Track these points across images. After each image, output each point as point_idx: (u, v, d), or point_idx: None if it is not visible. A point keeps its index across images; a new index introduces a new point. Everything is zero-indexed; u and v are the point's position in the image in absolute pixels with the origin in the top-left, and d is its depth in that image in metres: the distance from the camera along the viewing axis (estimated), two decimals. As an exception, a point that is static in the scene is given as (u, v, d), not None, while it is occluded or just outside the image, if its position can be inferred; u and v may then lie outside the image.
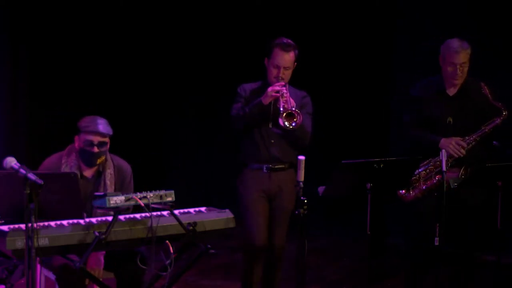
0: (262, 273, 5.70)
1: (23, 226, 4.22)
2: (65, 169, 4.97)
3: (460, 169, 5.58)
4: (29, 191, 4.15)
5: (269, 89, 5.51)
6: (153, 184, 4.93)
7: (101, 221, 4.60)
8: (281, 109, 5.46)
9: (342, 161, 5.07)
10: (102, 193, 4.56)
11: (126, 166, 5.21)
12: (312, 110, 5.75)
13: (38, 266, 4.98)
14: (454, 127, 5.62)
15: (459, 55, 5.57)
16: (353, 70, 8.90)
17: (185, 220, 4.69)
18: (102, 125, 5.00)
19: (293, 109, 5.45)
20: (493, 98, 5.57)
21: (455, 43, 5.60)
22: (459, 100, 5.68)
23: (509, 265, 6.24)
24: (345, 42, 8.88)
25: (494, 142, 5.66)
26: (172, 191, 4.65)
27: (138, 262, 4.75)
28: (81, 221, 4.55)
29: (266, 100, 5.52)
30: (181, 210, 4.82)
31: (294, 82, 5.71)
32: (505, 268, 5.96)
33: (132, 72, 9.18)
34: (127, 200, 4.51)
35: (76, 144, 5.03)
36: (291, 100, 5.50)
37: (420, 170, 5.60)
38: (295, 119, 5.45)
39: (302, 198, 4.83)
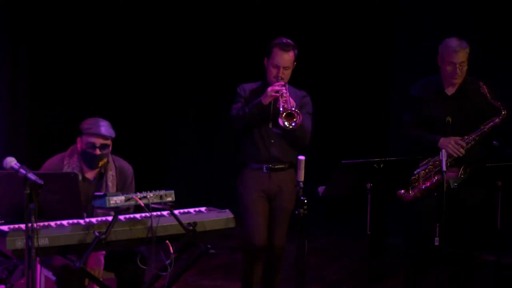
0: (262, 273, 5.70)
1: (23, 226, 4.22)
2: (67, 170, 4.97)
3: (460, 168, 5.58)
4: (29, 191, 4.15)
5: (269, 89, 5.51)
6: (153, 184, 4.93)
7: (101, 221, 4.60)
8: (281, 109, 5.46)
9: (342, 161, 5.07)
10: (102, 193, 4.56)
11: (127, 167, 5.21)
12: (312, 110, 5.75)
13: (38, 266, 4.98)
14: (453, 126, 5.62)
15: (458, 54, 5.57)
16: (353, 70, 8.90)
17: (185, 220, 4.69)
18: (105, 127, 4.99)
19: (293, 109, 5.45)
20: (492, 98, 5.57)
21: (453, 42, 5.60)
22: (457, 99, 5.68)
23: (509, 265, 6.24)
24: (345, 42, 8.88)
25: (494, 142, 5.66)
26: (172, 191, 4.65)
27: (138, 262, 4.75)
28: (81, 221, 4.55)
29: (265, 100, 5.52)
30: (181, 210, 4.82)
31: (294, 82, 5.71)
32: (505, 268, 5.96)
33: (132, 72, 9.18)
34: (127, 200, 4.51)
35: (78, 146, 5.03)
36: (291, 100, 5.50)
37: (419, 170, 5.59)
38: (294, 119, 5.45)
39: (302, 198, 4.83)
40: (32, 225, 4.13)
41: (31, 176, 4.17)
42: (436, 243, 5.21)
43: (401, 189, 5.61)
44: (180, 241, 4.81)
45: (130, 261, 4.87)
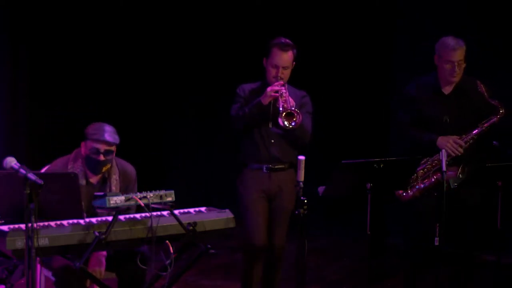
0: (262, 273, 5.70)
1: (23, 226, 4.22)
2: None
3: (458, 168, 5.56)
4: (29, 191, 4.15)
5: (268, 89, 5.52)
6: (153, 184, 4.93)
7: (101, 221, 4.60)
8: (281, 108, 5.46)
9: (342, 161, 5.07)
10: (102, 193, 4.56)
11: (130, 169, 5.21)
12: (312, 109, 5.75)
13: (38, 266, 4.99)
14: (451, 126, 5.61)
15: (456, 53, 5.56)
16: (353, 70, 8.90)
17: (185, 220, 4.69)
18: (109, 133, 4.97)
19: (293, 108, 5.46)
20: (489, 96, 5.56)
21: (451, 41, 5.59)
22: (455, 98, 5.67)
23: (509, 265, 6.24)
24: (345, 42, 8.87)
25: (494, 142, 5.65)
26: (172, 191, 4.65)
27: (138, 262, 4.74)
28: (81, 221, 4.55)
29: (265, 100, 5.52)
30: (181, 210, 4.83)
31: (294, 82, 5.71)
32: (505, 268, 5.96)
33: (132, 72, 9.18)
34: (127, 200, 4.52)
35: (82, 151, 5.02)
36: (291, 99, 5.50)
37: (417, 169, 5.59)
38: (294, 119, 5.45)
39: (302, 198, 4.83)
40: (32, 225, 4.13)
41: (31, 176, 4.16)
42: (436, 243, 5.21)
43: (400, 189, 5.61)
44: (180, 241, 4.81)
45: (131, 261, 4.87)
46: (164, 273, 4.69)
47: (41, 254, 4.38)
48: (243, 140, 5.72)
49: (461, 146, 5.53)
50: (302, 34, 7.76)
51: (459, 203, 5.54)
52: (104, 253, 4.89)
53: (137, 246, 4.72)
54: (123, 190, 5.06)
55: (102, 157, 4.96)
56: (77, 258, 4.51)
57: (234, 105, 5.68)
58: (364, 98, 8.86)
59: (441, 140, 5.55)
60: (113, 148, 5.01)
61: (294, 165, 5.13)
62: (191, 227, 4.67)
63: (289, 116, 5.46)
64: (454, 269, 5.74)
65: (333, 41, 8.89)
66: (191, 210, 4.89)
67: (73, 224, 4.51)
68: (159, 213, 4.66)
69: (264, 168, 5.64)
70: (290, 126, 5.46)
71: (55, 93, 8.56)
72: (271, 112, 5.58)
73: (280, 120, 5.45)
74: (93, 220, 4.62)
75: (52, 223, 4.47)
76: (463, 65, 5.60)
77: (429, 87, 5.70)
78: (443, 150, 5.30)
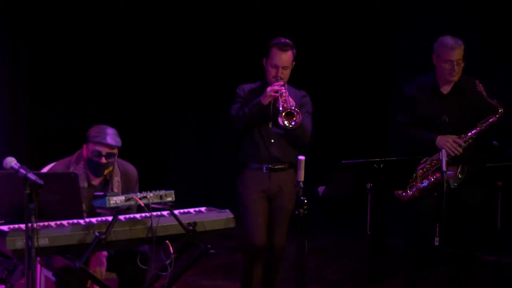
0: (262, 273, 5.70)
1: (23, 226, 4.22)
2: None
3: (457, 167, 5.56)
4: (29, 191, 4.15)
5: (268, 89, 5.52)
6: (153, 184, 4.93)
7: (101, 221, 4.60)
8: (281, 108, 5.46)
9: (342, 161, 5.07)
10: (102, 193, 4.56)
11: (132, 170, 5.20)
12: (311, 109, 5.75)
13: (38, 266, 4.99)
14: (450, 125, 5.61)
15: (455, 52, 5.56)
16: (353, 70, 8.90)
17: (185, 220, 4.69)
18: (111, 136, 4.96)
19: (293, 108, 5.46)
20: (488, 96, 5.55)
21: (449, 40, 5.59)
22: (453, 98, 5.67)
23: (509, 265, 6.24)
24: (345, 42, 8.87)
25: (494, 142, 5.65)
26: (172, 191, 4.65)
27: (138, 262, 4.74)
28: (81, 221, 4.55)
29: (265, 100, 5.52)
30: (181, 210, 4.83)
31: (294, 82, 5.71)
32: (505, 268, 5.96)
33: (132, 72, 9.18)
34: (127, 200, 4.52)
35: (84, 153, 5.01)
36: (290, 99, 5.50)
37: (417, 169, 5.59)
38: (294, 118, 5.45)
39: (302, 198, 4.83)
40: (32, 225, 4.13)
41: (31, 176, 4.16)
42: (436, 243, 5.21)
43: (400, 189, 5.60)
44: (180, 241, 4.81)
45: (131, 261, 4.87)
46: (164, 273, 4.69)
47: (41, 254, 4.38)
48: (243, 140, 5.72)
49: (460, 145, 5.53)
50: (302, 34, 7.76)
51: (459, 203, 5.54)
52: (105, 253, 4.88)
53: (137, 246, 4.72)
54: (125, 191, 5.05)
55: (104, 160, 4.96)
56: (77, 258, 4.51)
57: (234, 105, 5.68)
58: (364, 98, 8.85)
59: (440, 139, 5.55)
60: (115, 151, 5.00)
61: (294, 165, 5.13)
62: (191, 227, 4.67)
63: (289, 115, 5.46)
64: (454, 269, 5.73)
65: (333, 41, 8.89)
66: (191, 210, 4.89)
67: (73, 224, 4.51)
68: (159, 213, 4.66)
69: (264, 168, 5.64)
70: (290, 126, 5.46)
71: (55, 93, 8.56)
72: (271, 112, 5.58)
73: (280, 120, 5.45)
74: (93, 220, 4.62)
75: (52, 223, 4.47)
76: (462, 64, 5.60)
77: (428, 87, 5.70)
78: (443, 150, 5.30)
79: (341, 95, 8.93)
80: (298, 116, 5.45)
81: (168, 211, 4.68)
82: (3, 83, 8.16)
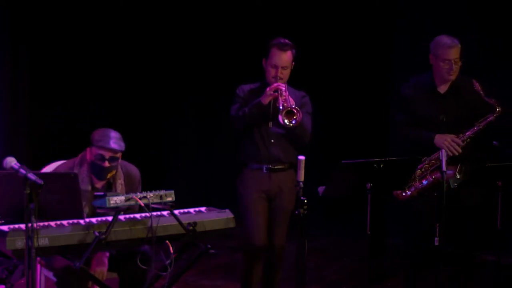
0: (262, 273, 5.70)
1: (23, 226, 4.22)
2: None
3: (456, 167, 5.55)
4: (29, 191, 4.15)
5: (268, 88, 5.52)
6: (153, 184, 4.93)
7: (101, 221, 4.60)
8: (281, 107, 5.46)
9: (342, 161, 5.07)
10: (102, 193, 4.56)
11: (135, 172, 5.20)
12: (311, 109, 5.75)
13: (38, 266, 4.99)
14: (447, 125, 5.61)
15: (452, 51, 5.56)
16: (353, 70, 8.90)
17: (185, 220, 4.69)
18: (114, 140, 4.94)
19: (293, 106, 5.46)
20: (486, 95, 5.55)
21: (447, 39, 5.60)
22: (451, 97, 5.67)
23: (509, 265, 6.24)
24: (345, 42, 8.87)
25: (494, 142, 5.64)
26: (172, 191, 4.65)
27: (138, 262, 4.74)
28: (81, 221, 4.55)
29: (265, 100, 5.53)
30: (181, 210, 4.83)
31: (294, 82, 5.71)
32: (505, 268, 5.96)
33: (132, 72, 9.18)
34: (127, 200, 4.52)
35: (88, 156, 5.01)
36: (290, 99, 5.50)
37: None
38: (295, 117, 5.46)
39: (302, 198, 4.83)
40: (32, 225, 4.13)
41: (31, 176, 4.17)
42: (436, 243, 5.20)
43: (399, 189, 5.60)
44: (180, 241, 4.81)
45: (132, 261, 4.86)
46: (164, 273, 4.69)
47: (41, 254, 4.38)
48: (243, 140, 5.72)
49: (459, 144, 5.52)
50: (302, 34, 7.76)
51: (459, 203, 5.54)
52: (107, 253, 4.88)
53: (137, 246, 4.72)
54: (128, 192, 5.05)
55: (107, 164, 4.95)
56: (78, 258, 4.51)
57: (234, 106, 5.68)
58: (364, 98, 8.85)
59: (438, 138, 5.54)
60: (119, 155, 4.99)
61: (294, 165, 5.13)
62: (191, 227, 4.67)
63: (289, 114, 5.46)
64: (454, 269, 5.73)
65: (333, 41, 8.89)
66: (191, 210, 4.89)
67: (73, 224, 4.51)
68: (159, 213, 4.66)
69: (264, 168, 5.64)
70: (291, 124, 5.46)
71: (55, 93, 8.56)
72: (271, 111, 5.58)
73: (280, 118, 5.45)
74: (93, 220, 4.62)
75: (52, 223, 4.47)
76: (459, 63, 5.61)
77: (425, 87, 5.70)
78: (443, 150, 5.29)
79: (341, 95, 8.93)
80: (298, 114, 5.45)
81: (168, 211, 4.68)
82: (3, 83, 8.16)
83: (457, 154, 5.50)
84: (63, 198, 4.52)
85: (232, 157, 6.09)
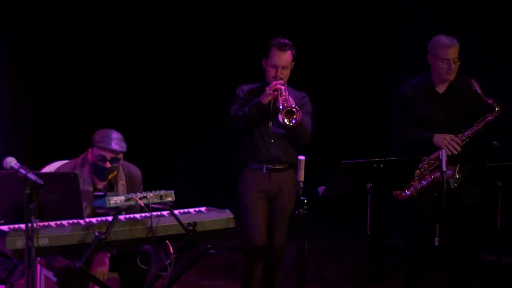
0: (262, 273, 5.70)
1: (23, 226, 4.22)
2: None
3: (455, 167, 5.55)
4: (29, 191, 4.15)
5: (268, 88, 5.52)
6: (153, 184, 4.93)
7: (101, 221, 4.61)
8: (281, 106, 5.46)
9: (342, 161, 5.07)
10: (102, 193, 4.56)
11: (136, 172, 5.20)
12: (311, 110, 5.76)
13: (38, 266, 4.99)
14: (446, 124, 5.61)
15: (451, 50, 5.56)
16: (353, 70, 8.90)
17: (185, 220, 4.69)
18: (116, 141, 4.94)
19: (293, 106, 5.46)
20: (485, 95, 5.54)
21: (445, 39, 5.60)
22: (449, 97, 5.66)
23: (509, 265, 6.24)
24: (345, 42, 8.87)
25: (494, 142, 5.64)
26: (172, 191, 4.65)
27: (138, 262, 4.74)
28: (81, 221, 4.55)
29: (265, 100, 5.53)
30: (181, 210, 4.83)
31: (294, 82, 5.71)
32: (505, 268, 5.96)
33: (132, 72, 9.18)
34: (127, 200, 4.52)
35: (89, 157, 5.01)
36: (290, 98, 5.50)
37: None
38: (295, 116, 5.46)
39: (302, 198, 4.83)
40: (32, 225, 4.13)
41: (31, 176, 4.17)
42: (436, 243, 5.20)
43: (398, 189, 5.60)
44: (180, 241, 4.81)
45: (133, 260, 4.86)
46: (164, 273, 4.69)
47: (41, 254, 4.38)
48: (243, 140, 5.72)
49: (458, 144, 5.52)
50: (302, 34, 7.76)
51: (459, 203, 5.54)
52: (108, 253, 4.88)
53: (137, 246, 4.72)
54: (129, 192, 5.04)
55: (108, 165, 4.95)
56: (78, 258, 4.51)
57: (234, 106, 5.68)
58: (364, 98, 8.85)
59: (437, 138, 5.54)
60: (120, 156, 4.99)
61: (294, 165, 5.13)
62: (191, 227, 4.67)
63: (289, 113, 5.46)
64: (454, 269, 5.73)
65: (333, 41, 8.89)
66: (191, 210, 4.89)
67: (73, 224, 4.51)
68: (159, 213, 4.66)
69: (264, 168, 5.64)
70: (291, 124, 5.46)
71: (55, 93, 8.56)
72: (271, 111, 5.58)
73: (280, 117, 5.45)
74: (93, 220, 4.62)
75: (52, 223, 4.47)
76: (458, 63, 5.61)
77: (423, 87, 5.70)
78: (443, 150, 5.29)
79: (341, 95, 8.93)
80: (298, 114, 5.45)
81: (168, 211, 4.68)
82: (3, 83, 8.16)
83: (456, 152, 5.50)
84: (63, 198, 4.52)
85: (232, 157, 6.09)
